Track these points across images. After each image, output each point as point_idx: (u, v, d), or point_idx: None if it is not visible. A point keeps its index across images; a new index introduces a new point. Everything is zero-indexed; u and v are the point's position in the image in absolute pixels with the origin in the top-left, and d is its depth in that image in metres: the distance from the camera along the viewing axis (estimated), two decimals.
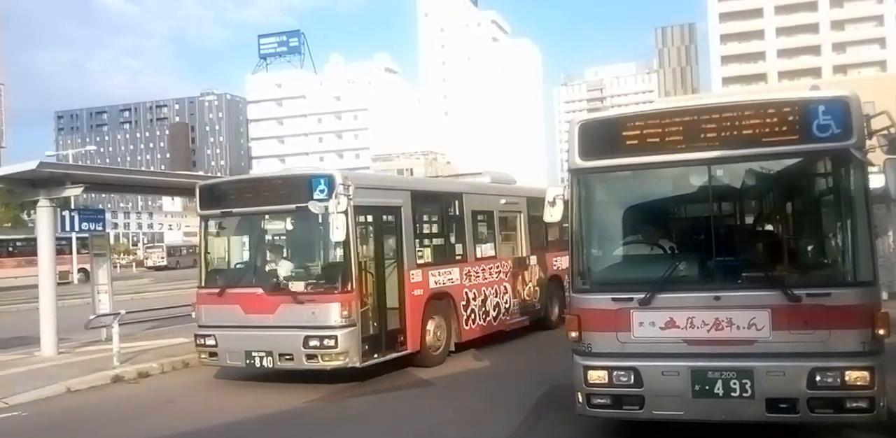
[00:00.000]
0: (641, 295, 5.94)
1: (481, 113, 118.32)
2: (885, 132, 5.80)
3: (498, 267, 12.83)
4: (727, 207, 7.68)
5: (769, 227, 7.69)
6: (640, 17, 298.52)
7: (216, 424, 8.28)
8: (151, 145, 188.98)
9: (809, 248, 6.82)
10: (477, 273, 12.11)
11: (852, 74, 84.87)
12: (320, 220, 9.46)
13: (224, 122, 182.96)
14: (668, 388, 5.87)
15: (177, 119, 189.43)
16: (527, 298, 13.78)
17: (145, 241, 75.35)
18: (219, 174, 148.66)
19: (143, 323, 15.17)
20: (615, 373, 5.99)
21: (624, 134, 6.24)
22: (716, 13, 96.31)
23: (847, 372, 5.51)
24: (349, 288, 9.44)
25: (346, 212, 9.02)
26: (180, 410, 9.23)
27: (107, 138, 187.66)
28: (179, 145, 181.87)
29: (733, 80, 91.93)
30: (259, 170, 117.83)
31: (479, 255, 12.33)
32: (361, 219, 9.95)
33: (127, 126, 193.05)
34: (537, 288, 14.20)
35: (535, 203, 12.96)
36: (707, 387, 5.75)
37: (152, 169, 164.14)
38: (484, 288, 12.27)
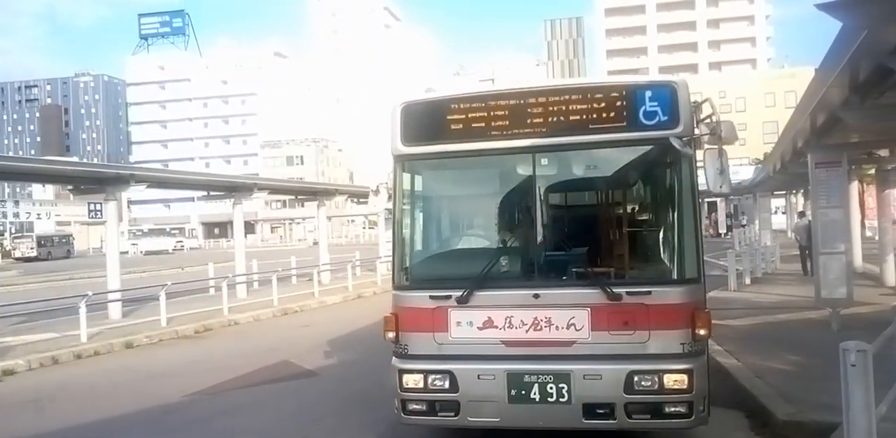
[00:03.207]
0: (459, 293, 5.56)
1: (373, 100, 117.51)
2: (708, 121, 5.46)
3: None
4: (552, 199, 6.97)
5: (594, 221, 7.13)
6: (532, 9, 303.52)
7: (89, 421, 7.93)
8: (20, 128, 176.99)
9: (633, 244, 6.38)
10: None
11: (726, 71, 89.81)
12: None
13: (101, 105, 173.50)
14: (484, 393, 5.51)
15: (48, 100, 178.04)
16: None
17: (13, 231, 70.42)
18: (95, 159, 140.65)
19: (8, 318, 14.40)
20: (430, 377, 5.60)
21: (448, 118, 5.81)
22: (601, 8, 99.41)
23: (665, 376, 5.26)
24: None
25: None
26: (49, 408, 8.77)
27: None
28: (52, 128, 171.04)
29: (618, 73, 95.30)
30: (140, 155, 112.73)
31: None
32: None
33: None
34: None
35: None
36: (524, 392, 5.43)
37: (21, 153, 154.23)
38: None
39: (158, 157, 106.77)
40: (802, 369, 8.32)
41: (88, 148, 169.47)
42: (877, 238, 19.04)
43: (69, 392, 9.67)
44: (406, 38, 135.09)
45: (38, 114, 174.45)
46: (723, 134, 5.31)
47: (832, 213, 10.84)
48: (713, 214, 52.49)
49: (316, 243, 33.50)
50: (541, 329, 5.45)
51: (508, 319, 5.51)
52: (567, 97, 5.61)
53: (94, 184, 17.06)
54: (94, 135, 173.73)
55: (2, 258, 63.83)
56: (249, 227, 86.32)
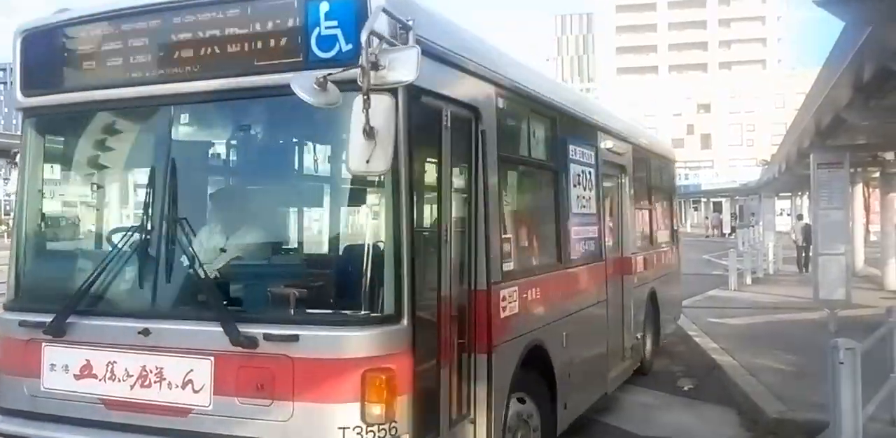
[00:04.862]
0: (50, 319, 3.75)
1: None
2: (377, 50, 2.95)
3: None
4: (190, 180, 4.12)
5: (246, 218, 4.35)
6: (541, 3, 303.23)
7: None
8: None
9: (294, 256, 4.34)
10: None
11: (736, 71, 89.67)
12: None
13: None
14: None
15: None
16: None
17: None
18: None
19: None
20: None
21: (78, 52, 4.00)
22: (612, 5, 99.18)
23: None
24: None
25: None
26: None
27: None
28: None
29: (627, 71, 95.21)
30: None
31: None
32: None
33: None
34: None
35: None
36: None
37: None
38: None
39: None
40: (796, 368, 8.33)
41: None
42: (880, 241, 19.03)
43: None
44: None
45: None
46: (387, 69, 2.94)
47: (833, 215, 10.83)
48: (717, 214, 52.46)
49: None
50: (149, 384, 3.57)
51: (111, 366, 3.66)
52: (222, 15, 3.63)
53: None
54: None
55: (7, 237, 64.05)
56: None
